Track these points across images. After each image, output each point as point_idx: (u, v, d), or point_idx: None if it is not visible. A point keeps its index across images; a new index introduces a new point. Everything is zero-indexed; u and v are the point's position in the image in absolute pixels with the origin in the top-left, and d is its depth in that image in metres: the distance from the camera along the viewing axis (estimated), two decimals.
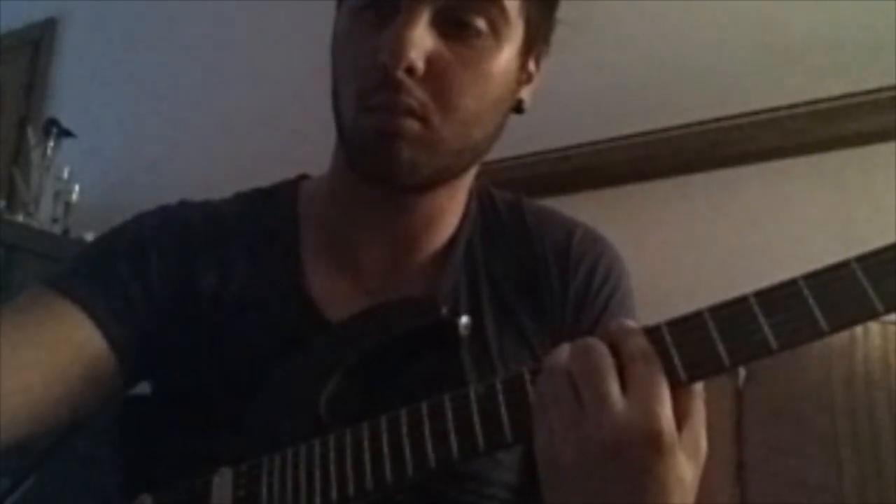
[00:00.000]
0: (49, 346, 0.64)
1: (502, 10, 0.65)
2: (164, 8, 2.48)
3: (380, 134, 0.64)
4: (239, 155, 2.19)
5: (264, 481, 0.59)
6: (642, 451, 0.48)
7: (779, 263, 1.42)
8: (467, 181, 0.76)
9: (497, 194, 0.81)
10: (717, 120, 1.52)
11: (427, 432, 0.55)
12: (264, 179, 0.84)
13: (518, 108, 0.73)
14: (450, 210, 0.75)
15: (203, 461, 0.62)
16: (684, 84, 1.57)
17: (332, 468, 0.57)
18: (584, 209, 0.83)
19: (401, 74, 0.62)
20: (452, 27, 0.64)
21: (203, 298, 0.71)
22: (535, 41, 0.71)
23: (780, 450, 1.12)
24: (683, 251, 1.51)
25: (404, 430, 0.55)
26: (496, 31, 0.65)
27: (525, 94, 0.73)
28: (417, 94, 0.63)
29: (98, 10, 2.67)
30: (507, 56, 0.67)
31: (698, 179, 1.55)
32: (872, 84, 1.39)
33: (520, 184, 0.87)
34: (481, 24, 0.65)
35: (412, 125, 0.64)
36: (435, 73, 0.64)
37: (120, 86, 2.54)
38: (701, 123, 1.53)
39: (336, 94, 0.70)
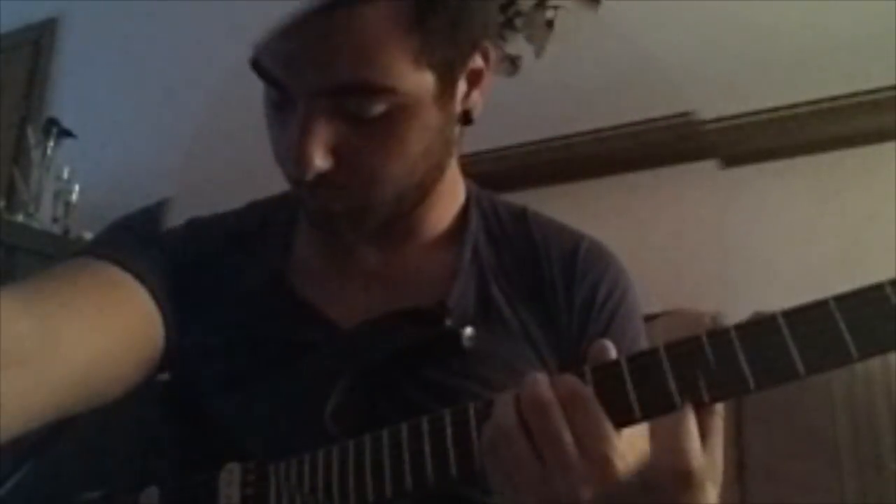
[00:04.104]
0: (117, 315, 0.64)
1: (394, 92, 0.60)
2: (164, 8, 2.47)
3: (316, 213, 0.67)
4: (240, 155, 2.19)
5: (272, 481, 0.59)
6: (636, 494, 0.48)
7: (778, 263, 1.44)
8: (440, 187, 0.73)
9: (499, 202, 0.80)
10: (717, 120, 1.52)
11: (427, 447, 0.55)
12: (264, 179, 0.83)
13: (467, 119, 0.70)
14: (435, 210, 0.75)
15: (208, 459, 0.61)
16: (684, 84, 1.57)
17: (335, 478, 0.57)
18: (586, 208, 0.83)
19: (312, 177, 0.62)
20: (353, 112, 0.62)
21: (210, 300, 0.72)
22: (452, 73, 0.66)
23: (781, 450, 1.12)
24: (683, 251, 1.51)
25: (405, 444, 0.55)
26: (399, 105, 0.62)
27: (471, 103, 0.69)
28: (338, 181, 0.63)
29: (98, 10, 2.67)
30: (421, 113, 0.64)
31: (698, 179, 1.55)
32: (872, 84, 1.39)
33: (496, 177, 0.87)
34: (380, 109, 0.61)
35: (342, 203, 0.65)
36: (349, 158, 0.62)
37: (120, 86, 2.53)
38: (701, 123, 1.53)
39: None
